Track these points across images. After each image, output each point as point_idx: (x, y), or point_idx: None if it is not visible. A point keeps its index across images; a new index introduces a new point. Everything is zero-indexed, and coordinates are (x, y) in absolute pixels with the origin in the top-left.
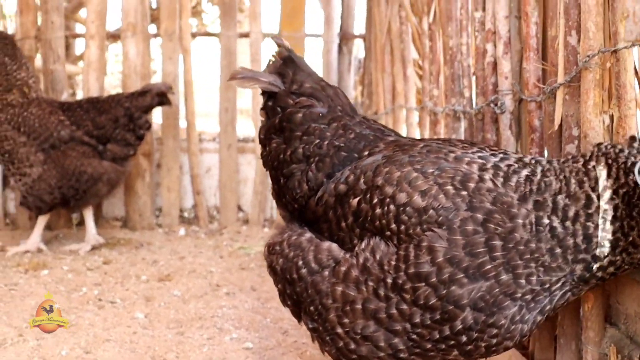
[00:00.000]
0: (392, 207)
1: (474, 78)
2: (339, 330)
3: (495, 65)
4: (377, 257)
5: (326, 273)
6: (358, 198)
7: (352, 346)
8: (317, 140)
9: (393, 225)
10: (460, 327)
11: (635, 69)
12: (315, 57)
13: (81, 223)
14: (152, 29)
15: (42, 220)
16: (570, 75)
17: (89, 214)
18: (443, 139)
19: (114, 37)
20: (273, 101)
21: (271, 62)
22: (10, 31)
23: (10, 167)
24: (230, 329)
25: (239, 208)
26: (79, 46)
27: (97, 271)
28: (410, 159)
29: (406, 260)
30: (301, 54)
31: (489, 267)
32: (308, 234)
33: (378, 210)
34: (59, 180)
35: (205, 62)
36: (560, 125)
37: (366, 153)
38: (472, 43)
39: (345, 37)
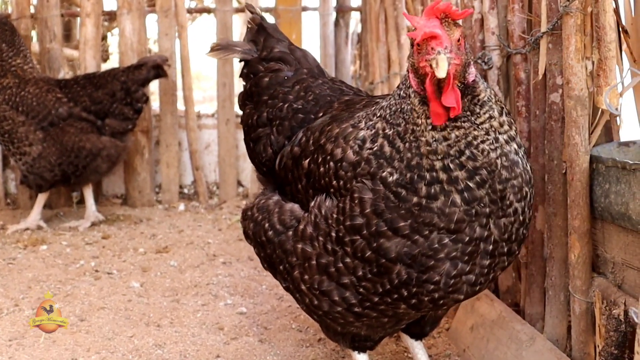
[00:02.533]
0: (331, 163)
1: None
2: (303, 287)
3: (482, 22)
4: (323, 212)
5: (290, 233)
6: (308, 159)
7: (315, 302)
8: (280, 104)
9: (334, 182)
10: (396, 281)
11: (614, 11)
12: (312, 31)
13: (81, 201)
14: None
15: (41, 198)
16: (552, 22)
17: (88, 192)
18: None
19: (110, 14)
20: (247, 68)
21: (248, 30)
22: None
23: (10, 147)
24: (225, 295)
25: (239, 183)
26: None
27: (96, 245)
28: (349, 114)
29: (343, 213)
30: (298, 28)
31: (402, 224)
32: (275, 197)
33: (322, 169)
34: (58, 157)
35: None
36: (545, 75)
37: (320, 114)
38: (461, 2)
39: (342, 10)
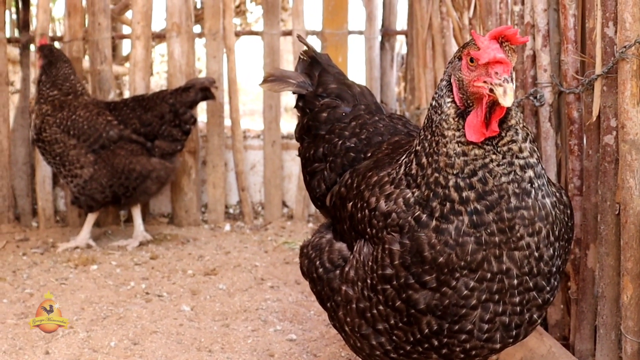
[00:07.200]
0: (367, 211)
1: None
2: (346, 328)
3: (534, 58)
4: (362, 258)
5: (337, 272)
6: (351, 203)
7: (358, 344)
8: (336, 139)
9: (368, 229)
10: (427, 331)
11: None
12: (357, 54)
13: (129, 220)
14: (196, 29)
15: (91, 218)
16: (607, 66)
17: (136, 211)
18: None
19: (159, 37)
20: (303, 102)
21: (301, 60)
22: (58, 33)
23: (62, 169)
24: (274, 321)
25: (284, 204)
26: (125, 47)
27: (145, 266)
28: (390, 160)
29: (376, 262)
30: (344, 51)
31: (428, 278)
32: (328, 236)
33: (359, 215)
34: (109, 179)
35: (250, 61)
36: (599, 117)
37: (369, 154)
38: None
39: (387, 33)
